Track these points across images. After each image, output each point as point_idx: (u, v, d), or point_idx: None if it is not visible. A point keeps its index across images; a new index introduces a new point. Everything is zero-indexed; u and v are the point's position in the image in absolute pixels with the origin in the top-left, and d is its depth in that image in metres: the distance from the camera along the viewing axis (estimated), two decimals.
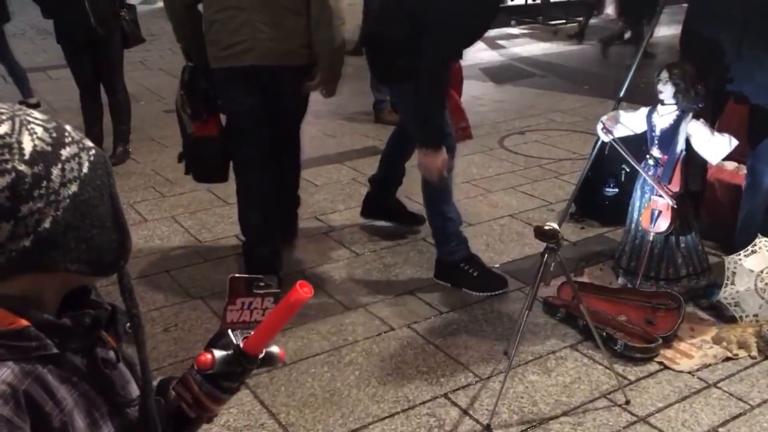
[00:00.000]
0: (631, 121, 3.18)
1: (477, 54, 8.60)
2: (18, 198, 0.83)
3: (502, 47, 8.73)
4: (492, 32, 8.68)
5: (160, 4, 13.07)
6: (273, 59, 3.10)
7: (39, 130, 0.86)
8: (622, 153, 3.03)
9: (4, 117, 0.85)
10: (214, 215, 4.22)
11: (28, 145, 0.84)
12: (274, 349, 1.09)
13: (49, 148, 0.86)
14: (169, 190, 4.63)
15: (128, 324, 0.99)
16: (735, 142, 2.99)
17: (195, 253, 3.74)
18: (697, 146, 3.04)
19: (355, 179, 4.77)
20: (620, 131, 3.16)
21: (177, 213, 4.25)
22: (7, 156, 0.83)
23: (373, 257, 3.68)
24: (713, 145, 3.01)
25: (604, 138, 3.09)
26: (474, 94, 7.05)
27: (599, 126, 3.12)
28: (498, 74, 7.87)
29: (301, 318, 3.01)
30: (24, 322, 0.87)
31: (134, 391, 1.02)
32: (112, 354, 0.99)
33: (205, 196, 4.50)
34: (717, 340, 2.89)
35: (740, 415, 2.50)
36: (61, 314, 0.93)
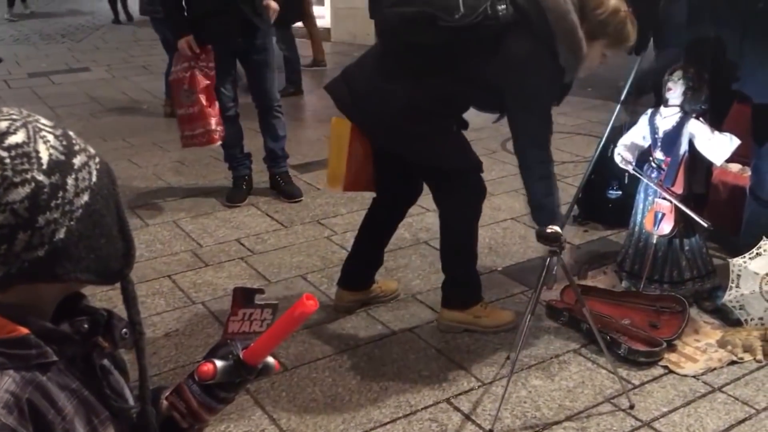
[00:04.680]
0: (638, 137, 3.17)
1: None
2: (36, 208, 0.82)
3: None
4: None
5: None
6: None
7: (51, 138, 0.86)
8: (644, 179, 3.12)
9: (18, 124, 0.84)
10: (215, 220, 4.21)
11: (44, 155, 0.84)
12: (270, 359, 1.09)
13: (63, 157, 0.85)
14: (170, 194, 4.62)
15: (124, 330, 0.98)
16: (737, 141, 2.96)
17: (196, 257, 3.72)
18: (699, 146, 3.03)
19: None
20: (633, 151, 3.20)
21: (178, 218, 4.24)
22: (27, 166, 0.82)
23: None
24: (714, 145, 2.99)
25: (626, 168, 3.14)
26: None
27: (617, 158, 3.16)
28: None
29: None
30: (24, 330, 0.86)
31: (129, 397, 1.02)
32: (107, 360, 0.98)
33: (206, 200, 4.49)
34: (722, 344, 2.87)
35: (746, 419, 2.47)
36: (58, 321, 0.92)
